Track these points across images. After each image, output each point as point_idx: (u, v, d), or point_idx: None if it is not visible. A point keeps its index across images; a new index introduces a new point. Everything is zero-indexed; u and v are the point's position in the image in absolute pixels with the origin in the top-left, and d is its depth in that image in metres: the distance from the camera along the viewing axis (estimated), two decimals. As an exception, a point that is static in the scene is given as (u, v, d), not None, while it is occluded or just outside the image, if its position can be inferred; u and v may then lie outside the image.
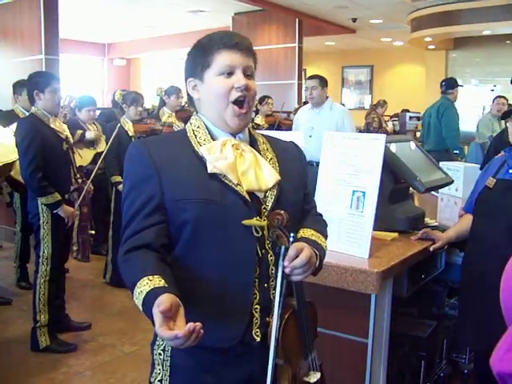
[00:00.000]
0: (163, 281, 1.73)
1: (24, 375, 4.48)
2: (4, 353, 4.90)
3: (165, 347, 1.99)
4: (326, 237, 2.22)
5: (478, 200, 3.26)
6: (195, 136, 2.00)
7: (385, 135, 2.97)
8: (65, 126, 5.05)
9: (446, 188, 4.15)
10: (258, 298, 1.93)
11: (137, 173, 1.93)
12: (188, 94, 2.10)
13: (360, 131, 11.13)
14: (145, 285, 1.73)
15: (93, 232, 7.35)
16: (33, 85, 4.78)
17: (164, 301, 1.63)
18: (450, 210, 4.32)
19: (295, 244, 1.89)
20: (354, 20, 13.62)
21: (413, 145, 3.81)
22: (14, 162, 5.32)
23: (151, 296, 1.69)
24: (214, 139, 1.99)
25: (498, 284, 2.56)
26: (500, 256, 2.95)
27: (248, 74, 1.99)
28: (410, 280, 3.14)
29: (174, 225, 1.90)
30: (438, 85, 8.93)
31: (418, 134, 12.55)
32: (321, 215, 2.33)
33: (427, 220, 3.73)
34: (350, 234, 2.94)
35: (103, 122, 7.73)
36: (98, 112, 8.73)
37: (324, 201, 3.06)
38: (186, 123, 2.14)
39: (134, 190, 1.92)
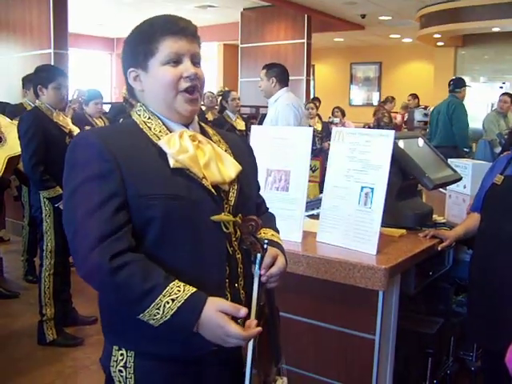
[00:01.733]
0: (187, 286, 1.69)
1: (31, 368, 4.49)
2: (12, 346, 4.92)
3: (126, 363, 1.82)
4: (278, 232, 2.16)
5: (485, 197, 3.25)
6: (149, 128, 1.85)
7: (393, 131, 2.96)
8: (68, 120, 5.05)
9: (455, 185, 4.15)
10: (229, 299, 1.80)
11: (93, 166, 1.72)
12: (128, 85, 1.94)
13: (369, 127, 11.12)
14: (177, 292, 1.65)
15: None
16: (37, 79, 4.80)
17: (229, 304, 1.69)
18: (458, 206, 4.32)
19: (270, 252, 1.86)
20: (363, 16, 13.60)
21: (421, 141, 3.79)
22: (20, 156, 5.33)
23: (195, 300, 1.66)
24: (169, 131, 1.86)
25: (506, 281, 2.56)
26: (509, 254, 2.96)
27: (196, 61, 1.87)
28: (417, 277, 3.13)
29: (137, 223, 1.73)
30: (447, 82, 8.94)
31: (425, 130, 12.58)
32: (268, 209, 2.25)
33: (435, 217, 3.72)
34: (357, 230, 2.93)
35: (113, 117, 7.72)
36: (107, 107, 8.73)
37: (332, 197, 3.06)
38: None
39: (89, 184, 1.71)
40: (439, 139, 8.60)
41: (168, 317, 1.63)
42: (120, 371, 1.84)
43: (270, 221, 2.16)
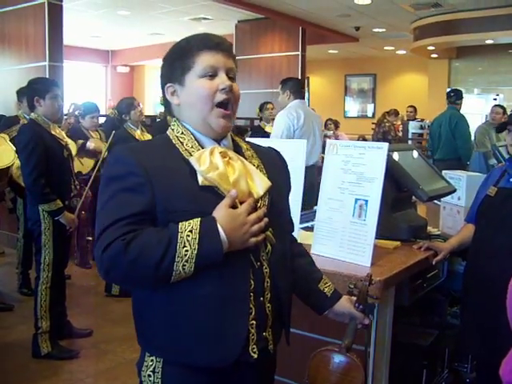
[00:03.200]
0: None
1: (25, 382, 4.48)
2: (6, 359, 4.90)
3: (154, 368, 1.89)
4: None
5: (479, 208, 3.27)
6: (181, 143, 1.90)
7: (387, 143, 2.97)
8: (63, 133, 5.06)
9: (449, 197, 4.16)
10: (253, 312, 1.85)
11: (125, 179, 1.78)
12: (165, 101, 2.01)
13: (363, 139, 11.12)
14: (188, 225, 1.72)
15: (90, 238, 7.31)
16: (33, 91, 4.79)
17: (224, 201, 1.79)
18: (452, 218, 4.33)
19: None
20: (357, 28, 13.64)
21: (415, 153, 3.81)
22: (9, 168, 5.33)
23: (206, 220, 1.75)
24: (201, 146, 1.90)
25: (499, 292, 2.56)
26: (502, 264, 2.97)
27: (231, 76, 1.93)
28: (411, 288, 3.13)
29: None
30: (441, 94, 8.99)
31: (424, 143, 12.61)
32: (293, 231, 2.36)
33: (430, 229, 3.73)
34: (352, 242, 2.94)
35: (108, 129, 7.73)
36: (102, 119, 8.73)
37: (327, 209, 3.07)
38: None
39: (120, 196, 1.77)
40: (443, 153, 8.62)
41: (196, 247, 1.70)
42: (149, 376, 1.91)
43: (314, 265, 2.34)
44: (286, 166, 2.22)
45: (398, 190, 3.40)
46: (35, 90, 4.77)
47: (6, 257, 8.23)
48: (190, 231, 1.70)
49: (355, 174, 2.98)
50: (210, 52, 1.89)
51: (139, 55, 18.31)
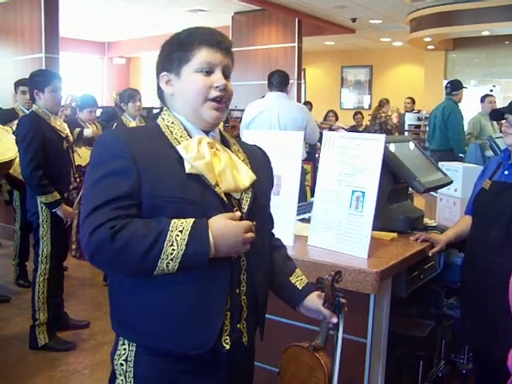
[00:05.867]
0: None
1: (22, 373, 4.49)
2: (2, 351, 4.91)
3: (127, 357, 1.90)
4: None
5: (475, 202, 3.28)
6: (171, 132, 1.93)
7: (384, 135, 2.97)
8: (65, 125, 5.05)
9: (445, 188, 4.16)
10: (229, 303, 1.87)
11: (113, 162, 1.79)
12: (159, 88, 2.03)
13: (367, 131, 11.11)
14: (181, 224, 1.73)
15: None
16: (33, 84, 4.79)
17: (226, 214, 1.81)
18: (449, 210, 4.33)
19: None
20: (354, 20, 13.61)
21: (412, 145, 3.81)
22: (11, 161, 5.32)
23: (200, 222, 1.75)
24: (190, 136, 1.93)
25: (495, 285, 2.57)
26: (497, 257, 2.98)
27: (226, 74, 1.96)
28: (408, 280, 3.14)
29: None
30: (438, 85, 8.99)
31: (421, 135, 12.62)
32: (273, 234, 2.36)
33: (426, 220, 3.73)
34: (349, 234, 2.94)
35: (104, 121, 7.72)
36: (99, 111, 8.72)
37: (323, 200, 3.08)
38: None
39: (108, 179, 1.78)
40: (437, 144, 8.68)
41: (183, 248, 1.71)
42: (121, 364, 1.91)
43: (290, 259, 2.34)
44: (270, 164, 2.24)
45: (395, 181, 3.41)
46: (35, 83, 4.78)
47: (3, 248, 8.23)
48: (180, 231, 1.72)
49: (352, 165, 2.99)
50: (210, 48, 1.92)
51: (135, 47, 18.27)
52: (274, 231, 2.33)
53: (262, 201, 2.04)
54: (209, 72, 1.91)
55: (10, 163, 5.36)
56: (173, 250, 1.70)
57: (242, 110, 10.74)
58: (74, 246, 7.35)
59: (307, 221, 3.44)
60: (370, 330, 2.83)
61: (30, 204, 4.89)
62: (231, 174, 1.91)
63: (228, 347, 1.88)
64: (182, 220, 1.74)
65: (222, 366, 1.91)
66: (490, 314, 3.01)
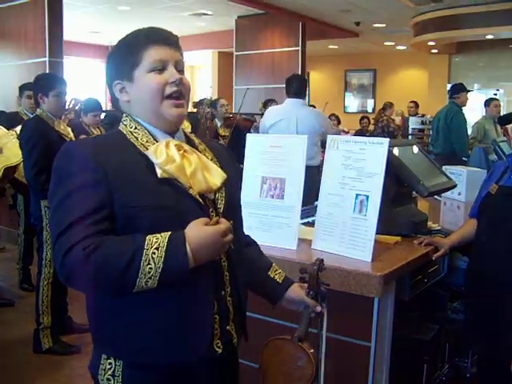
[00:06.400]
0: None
1: (26, 377, 4.49)
2: (7, 354, 4.91)
3: (114, 372, 1.82)
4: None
5: (481, 206, 3.27)
6: (136, 138, 1.86)
7: (388, 139, 2.97)
8: (69, 129, 5.05)
9: (449, 192, 4.16)
10: (215, 307, 1.85)
11: (80, 176, 1.73)
12: (113, 98, 1.97)
13: (371, 135, 11.11)
14: (156, 240, 1.67)
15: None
16: (37, 88, 4.80)
17: (201, 219, 1.75)
18: (452, 213, 4.33)
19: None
20: (358, 24, 13.63)
21: (416, 149, 3.81)
22: (17, 165, 5.32)
23: (176, 236, 1.69)
24: (156, 140, 1.88)
25: (500, 290, 2.57)
26: (503, 263, 2.98)
27: (180, 69, 1.91)
28: (412, 283, 3.13)
29: (126, 234, 1.72)
30: (441, 89, 8.98)
31: (425, 138, 12.62)
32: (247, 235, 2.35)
33: (430, 224, 3.73)
34: (353, 238, 2.94)
35: (107, 125, 7.71)
36: (102, 115, 8.72)
37: (327, 204, 3.07)
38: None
39: (76, 194, 1.71)
40: (440, 147, 8.66)
41: (161, 265, 1.65)
42: (108, 379, 1.83)
43: (264, 255, 2.34)
44: (234, 159, 2.21)
45: (399, 185, 3.40)
46: (40, 87, 4.78)
47: (7, 252, 8.23)
48: (157, 248, 1.65)
49: (356, 169, 2.98)
50: (157, 46, 1.87)
51: (139, 51, 18.28)
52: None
53: (234, 199, 2.03)
54: (161, 70, 1.87)
55: (15, 168, 5.36)
56: (150, 268, 1.64)
57: (246, 114, 10.80)
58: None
59: (311, 224, 3.43)
60: (374, 334, 2.83)
61: (33, 208, 4.89)
62: (202, 175, 1.87)
63: (220, 351, 1.87)
64: (158, 235, 1.68)
65: (214, 371, 1.90)
66: (495, 318, 3.00)
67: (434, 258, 3.22)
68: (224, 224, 1.76)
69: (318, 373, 2.11)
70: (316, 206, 3.22)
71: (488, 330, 3.09)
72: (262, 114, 9.29)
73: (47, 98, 4.72)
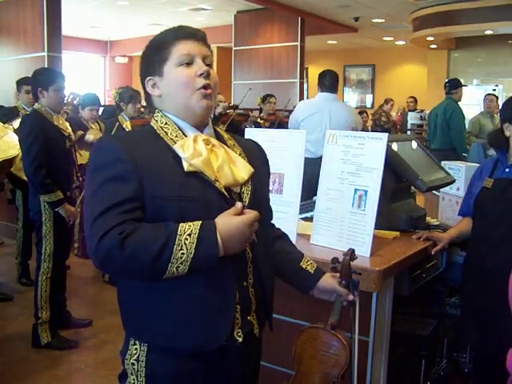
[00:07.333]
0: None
1: (25, 371, 4.49)
2: (5, 349, 4.91)
3: (138, 357, 1.90)
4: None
5: (477, 201, 3.27)
6: (165, 133, 1.94)
7: (387, 134, 2.97)
8: (67, 124, 5.04)
9: (448, 187, 4.15)
10: (237, 297, 1.89)
11: (113, 168, 1.80)
12: (147, 94, 2.05)
13: (366, 131, 11.13)
14: (189, 227, 1.73)
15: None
16: (36, 82, 4.77)
17: (229, 210, 1.81)
18: (451, 209, 4.32)
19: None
20: (357, 19, 13.61)
21: (414, 144, 3.81)
22: (13, 158, 5.31)
23: (207, 224, 1.75)
24: (184, 135, 1.94)
25: (498, 284, 2.57)
26: (502, 256, 2.98)
27: (207, 63, 1.96)
28: (411, 279, 3.14)
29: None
30: (440, 84, 8.96)
31: (424, 134, 12.62)
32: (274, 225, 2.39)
33: (429, 219, 3.73)
34: (351, 233, 2.94)
35: (105, 120, 7.69)
36: (100, 109, 8.71)
37: (326, 199, 3.08)
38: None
39: (109, 184, 1.78)
40: (438, 143, 8.65)
41: (193, 251, 1.71)
42: (133, 364, 1.91)
43: (294, 246, 2.42)
44: (266, 157, 2.25)
45: (398, 180, 3.40)
46: (39, 81, 4.75)
47: (6, 247, 8.23)
48: (189, 235, 1.71)
49: (355, 164, 2.99)
50: (184, 41, 1.95)
51: (138, 46, 18.20)
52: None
53: (261, 193, 2.06)
54: (189, 63, 1.93)
55: (11, 161, 5.35)
56: (182, 253, 1.70)
57: (244, 109, 10.80)
58: (76, 245, 7.34)
59: (310, 219, 3.43)
60: (373, 329, 2.83)
61: (32, 203, 4.88)
62: (229, 168, 1.92)
63: (241, 340, 1.90)
64: (190, 223, 1.74)
65: (234, 360, 1.93)
66: (492, 313, 3.00)
67: (433, 253, 3.22)
68: (251, 213, 1.82)
69: (351, 361, 2.18)
70: (315, 201, 3.22)
71: (484, 326, 3.09)
72: (261, 109, 9.30)
73: (47, 92, 4.70)
